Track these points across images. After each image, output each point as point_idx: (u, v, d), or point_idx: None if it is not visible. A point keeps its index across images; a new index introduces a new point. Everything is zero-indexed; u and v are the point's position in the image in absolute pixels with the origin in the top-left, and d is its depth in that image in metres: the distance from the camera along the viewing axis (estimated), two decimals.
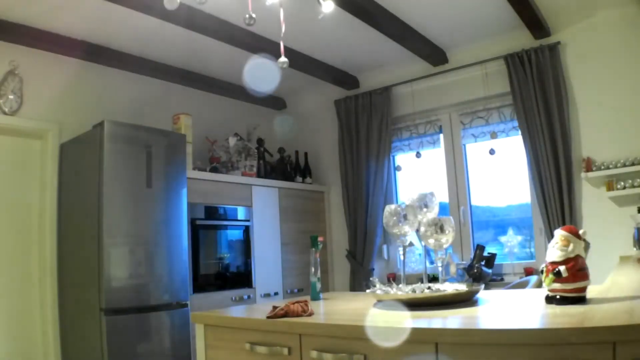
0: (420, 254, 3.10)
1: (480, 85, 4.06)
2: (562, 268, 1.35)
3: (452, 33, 3.92)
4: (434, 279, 2.22)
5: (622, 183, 3.38)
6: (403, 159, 4.68)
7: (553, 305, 1.40)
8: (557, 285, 1.38)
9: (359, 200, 4.54)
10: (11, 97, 3.34)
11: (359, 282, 4.43)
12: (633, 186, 3.33)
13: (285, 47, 2.33)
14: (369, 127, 4.54)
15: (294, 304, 1.73)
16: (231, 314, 2.02)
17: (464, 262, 3.89)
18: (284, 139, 5.07)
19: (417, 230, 1.88)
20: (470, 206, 4.25)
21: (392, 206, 1.88)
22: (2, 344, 3.20)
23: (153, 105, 4.12)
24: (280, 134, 5.13)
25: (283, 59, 2.17)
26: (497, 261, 3.77)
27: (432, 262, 3.19)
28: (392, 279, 4.11)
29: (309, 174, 4.87)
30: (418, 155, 4.37)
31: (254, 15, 1.98)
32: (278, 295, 4.27)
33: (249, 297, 4.00)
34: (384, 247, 4.60)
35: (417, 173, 4.62)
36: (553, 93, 3.63)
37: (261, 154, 4.52)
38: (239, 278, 4.02)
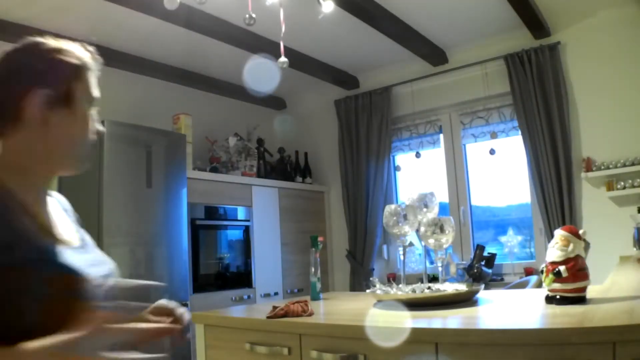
0: (420, 254, 3.10)
1: (480, 85, 4.06)
2: (562, 268, 1.35)
3: (452, 33, 3.92)
4: (434, 279, 2.22)
5: (622, 183, 3.38)
6: (403, 159, 4.67)
7: (553, 305, 1.40)
8: (557, 285, 1.38)
9: (359, 200, 4.53)
10: None
11: (359, 282, 4.43)
12: (633, 186, 3.33)
13: (285, 47, 2.33)
14: (369, 127, 4.53)
15: (294, 304, 1.73)
16: (231, 314, 2.03)
17: (464, 262, 3.89)
18: (284, 139, 5.07)
19: (417, 230, 1.88)
20: (470, 206, 4.25)
21: (392, 206, 1.88)
22: None
23: (153, 105, 4.12)
24: (280, 134, 5.13)
25: (283, 59, 2.17)
26: (497, 261, 3.77)
27: (432, 262, 3.19)
28: (392, 279, 4.10)
29: (309, 174, 4.87)
30: (418, 155, 4.37)
31: (254, 15, 1.98)
32: (278, 295, 4.27)
33: (249, 297, 4.00)
34: (384, 247, 4.60)
35: (417, 173, 4.61)
36: (553, 93, 3.62)
37: (261, 154, 4.52)
38: (239, 278, 4.02)
